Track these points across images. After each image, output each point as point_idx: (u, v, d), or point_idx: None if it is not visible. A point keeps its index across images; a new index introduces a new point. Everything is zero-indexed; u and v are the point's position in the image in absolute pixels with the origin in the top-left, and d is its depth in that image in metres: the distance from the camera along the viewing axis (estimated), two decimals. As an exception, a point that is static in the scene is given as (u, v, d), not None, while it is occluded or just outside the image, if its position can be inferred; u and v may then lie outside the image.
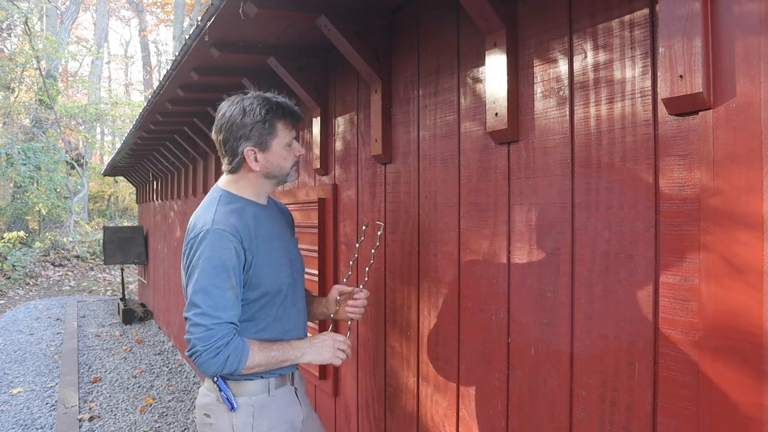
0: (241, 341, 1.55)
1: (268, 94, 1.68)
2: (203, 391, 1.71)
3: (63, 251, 13.83)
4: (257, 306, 1.64)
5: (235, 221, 1.59)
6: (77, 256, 13.86)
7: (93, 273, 13.41)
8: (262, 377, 1.66)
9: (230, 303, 1.54)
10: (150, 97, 3.83)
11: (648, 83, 1.21)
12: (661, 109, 1.17)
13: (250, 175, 1.68)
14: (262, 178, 1.69)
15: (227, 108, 1.66)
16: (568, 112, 1.39)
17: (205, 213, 1.63)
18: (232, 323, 1.54)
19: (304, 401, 1.81)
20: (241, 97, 1.67)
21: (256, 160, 1.64)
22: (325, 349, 1.70)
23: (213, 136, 1.73)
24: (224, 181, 1.72)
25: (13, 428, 4.27)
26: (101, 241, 12.11)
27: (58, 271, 12.91)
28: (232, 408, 1.61)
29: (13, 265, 11.90)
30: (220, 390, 1.62)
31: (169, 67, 3.03)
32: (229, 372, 1.54)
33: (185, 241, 1.62)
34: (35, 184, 14.27)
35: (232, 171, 1.69)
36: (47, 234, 15.20)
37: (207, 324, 1.50)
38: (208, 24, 2.14)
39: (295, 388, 1.77)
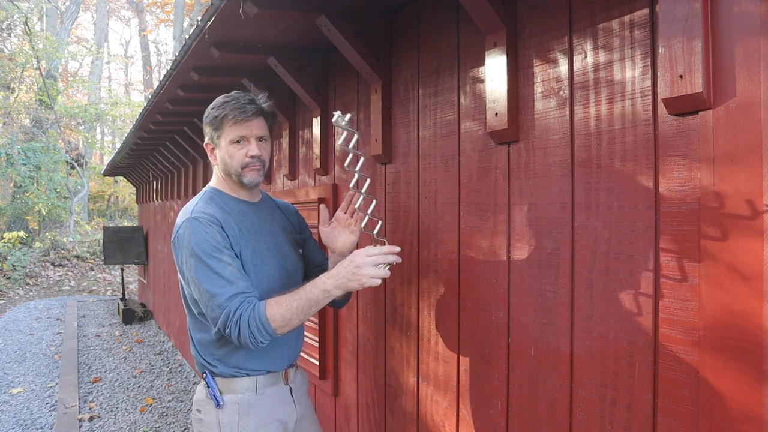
0: (253, 309, 1.49)
1: (238, 92, 1.71)
2: (199, 387, 1.74)
3: (63, 251, 13.83)
4: None
5: (214, 211, 1.63)
6: (77, 256, 13.86)
7: (93, 273, 13.41)
8: (248, 375, 1.66)
9: (233, 276, 1.53)
10: (150, 97, 3.83)
11: (648, 83, 1.21)
12: (661, 109, 1.17)
13: (219, 172, 1.76)
14: (224, 174, 1.74)
15: None
16: (568, 112, 1.39)
17: (186, 208, 1.68)
18: (242, 293, 1.51)
19: (300, 402, 1.80)
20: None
21: (213, 154, 1.74)
22: (354, 271, 1.46)
23: None
24: (212, 179, 1.81)
25: (13, 428, 4.27)
26: (101, 241, 12.12)
27: (58, 271, 12.91)
28: (218, 405, 1.64)
29: (13, 265, 11.90)
30: (208, 387, 1.66)
31: (169, 67, 3.03)
32: (267, 338, 1.49)
33: (171, 239, 1.67)
34: (35, 184, 14.27)
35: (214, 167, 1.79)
36: (47, 234, 15.20)
37: (220, 303, 1.50)
38: (208, 24, 2.14)
39: (290, 388, 1.77)
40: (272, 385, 1.71)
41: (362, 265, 1.46)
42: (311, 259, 1.92)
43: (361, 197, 1.61)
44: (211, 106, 1.72)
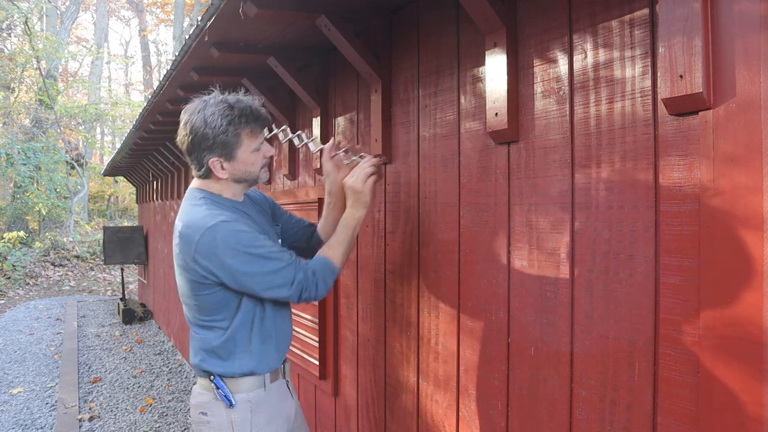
0: (318, 263, 1.67)
1: (231, 98, 1.62)
2: (198, 389, 1.72)
3: (63, 251, 13.82)
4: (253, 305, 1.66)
5: (228, 212, 1.62)
6: (77, 256, 13.86)
7: (93, 273, 13.41)
8: (255, 374, 1.68)
9: (279, 251, 1.62)
10: (150, 97, 3.83)
11: (648, 83, 1.21)
12: (661, 109, 1.17)
13: (221, 181, 1.68)
14: (232, 182, 1.69)
15: (188, 117, 1.62)
16: (568, 112, 1.39)
17: (196, 214, 1.60)
18: (294, 259, 1.63)
19: (294, 394, 1.86)
20: (204, 103, 1.61)
21: (222, 168, 1.64)
22: (357, 193, 1.74)
23: (177, 142, 1.70)
24: (199, 183, 1.71)
25: (13, 428, 4.27)
26: (101, 241, 12.09)
27: (58, 271, 12.91)
28: (231, 405, 1.63)
29: (13, 265, 11.90)
30: (218, 388, 1.65)
31: (169, 67, 3.03)
32: (334, 279, 1.70)
33: (183, 248, 1.62)
34: (35, 184, 14.27)
35: (202, 177, 1.69)
36: (47, 234, 15.20)
37: (286, 274, 1.59)
38: (208, 24, 2.14)
39: (287, 381, 1.82)
40: (275, 380, 1.75)
41: (358, 183, 1.74)
42: (287, 236, 1.95)
43: (315, 146, 1.92)
44: (210, 119, 1.57)
